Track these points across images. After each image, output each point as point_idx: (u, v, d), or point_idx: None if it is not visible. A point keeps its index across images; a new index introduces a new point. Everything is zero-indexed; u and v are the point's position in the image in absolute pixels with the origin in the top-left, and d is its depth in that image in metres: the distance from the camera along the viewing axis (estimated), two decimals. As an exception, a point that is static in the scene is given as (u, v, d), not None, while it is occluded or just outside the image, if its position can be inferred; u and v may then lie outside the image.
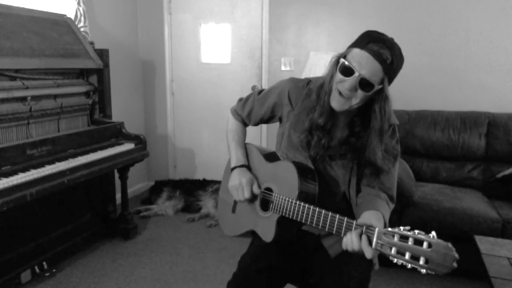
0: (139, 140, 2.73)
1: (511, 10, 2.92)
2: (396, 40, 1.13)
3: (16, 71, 2.17)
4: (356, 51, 1.11)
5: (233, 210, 1.46)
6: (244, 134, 1.52)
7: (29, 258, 2.29)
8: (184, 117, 3.92)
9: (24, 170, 1.96)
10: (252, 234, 1.39)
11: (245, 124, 1.53)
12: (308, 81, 1.32)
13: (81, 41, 2.62)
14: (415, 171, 2.86)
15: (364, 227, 1.00)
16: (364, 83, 1.10)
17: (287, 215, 1.20)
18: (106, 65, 2.73)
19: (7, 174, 1.89)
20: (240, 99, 1.52)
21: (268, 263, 1.32)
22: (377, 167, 1.21)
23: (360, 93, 1.12)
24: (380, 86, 1.12)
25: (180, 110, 3.92)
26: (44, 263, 2.33)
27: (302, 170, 1.21)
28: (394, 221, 2.30)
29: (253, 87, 3.64)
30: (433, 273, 0.84)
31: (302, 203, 1.16)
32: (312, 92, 1.26)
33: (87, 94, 2.63)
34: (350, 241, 1.02)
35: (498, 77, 3.00)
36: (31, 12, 2.42)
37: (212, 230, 3.12)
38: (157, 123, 3.99)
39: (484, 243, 1.83)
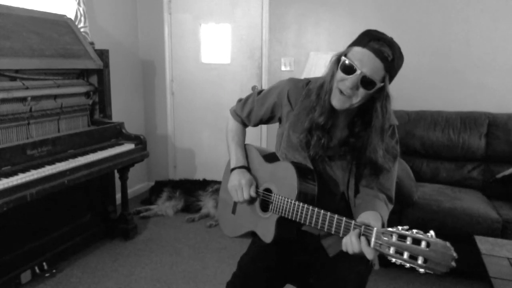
0: (139, 141, 2.73)
1: (511, 10, 2.92)
2: (396, 40, 1.13)
3: (16, 71, 2.17)
4: (357, 49, 1.11)
5: (233, 211, 1.46)
6: (243, 134, 1.52)
7: (29, 258, 2.29)
8: (184, 117, 3.92)
9: (24, 170, 1.96)
10: (252, 235, 1.39)
11: (244, 125, 1.53)
12: (308, 81, 1.32)
13: (81, 41, 2.62)
14: (415, 171, 2.86)
15: (363, 226, 1.00)
16: (365, 81, 1.10)
17: (286, 216, 1.20)
18: (106, 65, 2.73)
19: (7, 175, 1.89)
20: (240, 100, 1.52)
21: (268, 264, 1.32)
22: (377, 166, 1.21)
23: (361, 91, 1.12)
24: (382, 84, 1.12)
25: (180, 110, 3.92)
26: (44, 263, 2.33)
27: (301, 170, 1.21)
28: (394, 221, 2.30)
29: (253, 87, 3.64)
30: (432, 272, 0.84)
31: (301, 204, 1.16)
32: (311, 92, 1.26)
33: (87, 94, 2.63)
34: (350, 242, 1.01)
35: (498, 77, 3.00)
36: (31, 12, 2.42)
37: (212, 230, 3.12)
38: (157, 123, 3.99)
39: (484, 243, 1.83)
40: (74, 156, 2.28)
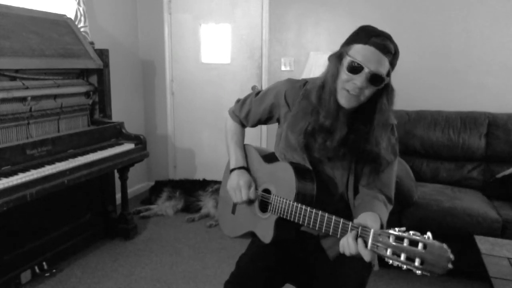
0: (139, 140, 2.73)
1: (511, 10, 2.92)
2: (396, 40, 1.14)
3: (16, 71, 2.17)
4: (359, 46, 1.10)
5: (233, 211, 1.46)
6: (242, 135, 1.52)
7: (29, 258, 2.29)
8: (184, 117, 3.92)
9: (24, 170, 1.96)
10: (252, 235, 1.39)
11: (243, 125, 1.53)
12: (305, 82, 1.32)
13: (81, 41, 2.62)
14: (415, 171, 2.86)
15: (360, 227, 0.99)
16: (374, 78, 1.10)
17: (285, 217, 1.20)
18: (106, 65, 2.73)
19: (7, 174, 1.89)
20: (238, 101, 1.52)
21: (267, 264, 1.32)
22: (378, 161, 1.20)
23: (369, 88, 1.12)
24: (388, 79, 1.12)
25: (180, 110, 3.92)
26: (44, 263, 2.33)
27: (299, 171, 1.21)
28: (394, 222, 2.30)
29: (253, 87, 3.64)
30: (428, 274, 0.84)
31: (299, 205, 1.15)
32: (309, 93, 1.26)
33: (87, 94, 2.63)
34: (347, 244, 1.01)
35: (498, 77, 3.00)
36: (31, 12, 2.42)
37: (212, 230, 3.12)
38: (157, 123, 3.99)
39: (484, 243, 1.83)
40: (74, 156, 2.28)
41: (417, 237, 0.86)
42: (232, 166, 1.42)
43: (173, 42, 3.81)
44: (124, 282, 2.36)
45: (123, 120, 2.86)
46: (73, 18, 2.78)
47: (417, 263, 0.84)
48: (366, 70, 1.09)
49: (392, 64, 1.13)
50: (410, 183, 2.48)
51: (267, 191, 1.32)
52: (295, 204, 1.16)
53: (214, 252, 2.77)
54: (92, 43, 2.73)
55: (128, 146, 2.64)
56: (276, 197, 1.24)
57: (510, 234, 2.24)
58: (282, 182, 1.24)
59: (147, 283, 2.36)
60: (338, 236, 1.06)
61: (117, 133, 2.73)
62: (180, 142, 3.98)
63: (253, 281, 1.29)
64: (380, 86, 1.12)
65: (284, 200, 1.20)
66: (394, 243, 0.89)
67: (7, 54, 2.09)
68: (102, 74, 2.71)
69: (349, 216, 1.11)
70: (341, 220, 1.05)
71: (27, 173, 1.94)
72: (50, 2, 2.78)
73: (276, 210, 1.23)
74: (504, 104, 2.98)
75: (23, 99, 2.17)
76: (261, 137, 3.69)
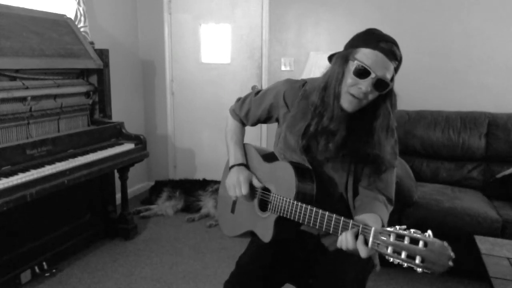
0: (139, 140, 2.73)
1: (511, 10, 2.92)
2: (396, 40, 1.13)
3: (16, 71, 2.17)
4: (367, 51, 1.09)
5: (232, 210, 1.46)
6: (242, 134, 1.52)
7: (29, 258, 2.29)
8: (184, 117, 3.92)
9: (24, 170, 1.96)
10: (252, 234, 1.39)
11: (243, 124, 1.53)
12: (304, 82, 1.31)
13: (81, 41, 2.62)
14: (415, 171, 2.86)
15: (361, 226, 1.00)
16: (379, 84, 1.09)
17: (285, 215, 1.20)
18: (106, 65, 2.73)
19: (7, 174, 1.89)
20: (239, 99, 1.52)
21: (266, 263, 1.32)
22: (381, 163, 1.19)
23: (373, 93, 1.11)
24: (392, 84, 1.12)
25: (180, 110, 3.92)
26: (44, 263, 2.33)
27: (299, 170, 1.21)
28: (394, 221, 2.30)
29: (253, 87, 3.65)
30: (429, 272, 0.84)
31: (299, 203, 1.15)
32: (308, 94, 1.25)
33: (87, 94, 2.63)
34: (345, 239, 1.01)
35: (498, 77, 3.00)
36: (31, 12, 2.42)
37: (212, 230, 3.12)
38: (157, 123, 3.99)
39: (484, 243, 1.83)
40: (74, 156, 2.28)
41: (418, 235, 0.86)
42: (231, 163, 1.42)
43: (173, 42, 3.81)
44: (124, 282, 2.36)
45: (123, 120, 2.86)
46: (73, 18, 2.78)
47: (417, 261, 0.85)
48: (372, 75, 1.08)
49: (396, 70, 1.13)
50: (410, 183, 2.48)
51: (266, 190, 1.31)
52: (295, 202, 1.16)
53: (214, 252, 2.77)
54: (92, 43, 2.73)
55: (128, 146, 2.64)
56: (276, 196, 1.23)
57: (510, 234, 2.24)
58: (282, 181, 1.24)
59: (147, 283, 2.36)
60: (339, 234, 1.06)
61: (117, 133, 2.73)
62: (180, 142, 3.98)
63: (253, 280, 1.29)
64: (384, 91, 1.11)
65: (284, 199, 1.20)
66: (394, 241, 0.89)
67: (7, 54, 2.09)
68: (102, 74, 2.71)
69: (349, 217, 1.11)
70: (342, 218, 1.05)
71: (27, 173, 1.94)
72: (50, 2, 2.78)
73: (276, 209, 1.23)
74: (504, 104, 2.98)
75: (23, 99, 2.17)
76: (261, 136, 3.69)
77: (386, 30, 1.15)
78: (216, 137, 3.82)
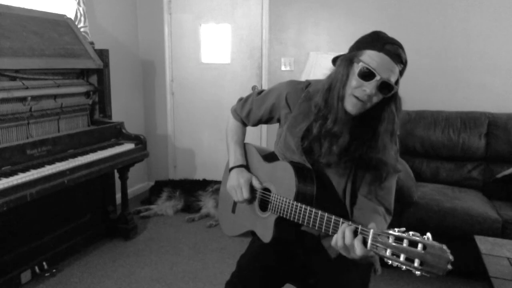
0: (139, 140, 2.73)
1: (511, 10, 2.92)
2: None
3: (16, 71, 2.17)
4: (373, 53, 1.08)
5: (233, 210, 1.46)
6: (243, 134, 1.52)
7: (29, 258, 2.29)
8: (184, 117, 3.92)
9: (24, 170, 1.96)
10: (252, 234, 1.38)
11: (244, 124, 1.52)
12: (307, 83, 1.30)
13: (81, 41, 2.62)
14: (415, 171, 2.86)
15: (360, 227, 0.99)
16: (384, 86, 1.08)
17: (284, 216, 1.19)
18: (106, 65, 2.73)
19: (7, 174, 1.89)
20: (240, 99, 1.52)
21: (267, 263, 1.32)
22: (384, 168, 1.17)
23: (378, 96, 1.10)
24: (397, 88, 1.11)
25: (180, 110, 3.92)
26: (44, 263, 2.33)
27: (300, 170, 1.20)
28: (393, 222, 2.30)
29: (253, 87, 3.65)
30: (428, 275, 0.83)
31: (299, 204, 1.15)
32: (311, 96, 1.25)
33: (87, 94, 2.63)
34: (342, 234, 1.00)
35: (498, 77, 3.00)
36: (31, 12, 2.42)
37: (212, 230, 3.12)
38: (157, 123, 3.99)
39: (484, 243, 1.82)
40: (74, 156, 2.28)
41: (417, 238, 0.85)
42: (231, 165, 1.42)
43: (173, 42, 3.81)
44: (124, 282, 2.36)
45: (123, 120, 2.86)
46: (73, 18, 2.78)
47: (416, 263, 0.84)
48: (377, 77, 1.07)
49: (401, 74, 1.12)
50: (410, 183, 2.48)
51: (267, 190, 1.31)
52: (294, 203, 1.16)
53: (214, 252, 2.77)
54: (92, 43, 2.73)
55: (128, 146, 2.64)
56: (276, 196, 1.23)
57: (510, 234, 2.24)
58: (282, 181, 1.24)
59: (147, 283, 2.36)
60: None
61: (117, 133, 2.73)
62: (180, 142, 3.98)
63: (253, 280, 1.29)
64: (389, 94, 1.10)
65: (284, 199, 1.19)
66: (393, 244, 0.88)
67: (7, 54, 2.09)
68: (102, 74, 2.71)
69: (348, 218, 1.10)
70: (341, 219, 1.04)
71: (27, 173, 1.94)
72: (50, 2, 2.78)
73: (276, 209, 1.22)
74: (504, 104, 2.98)
75: (23, 99, 2.17)
76: (261, 136, 3.69)
77: (386, 30, 1.15)
78: (216, 137, 3.82)
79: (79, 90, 2.55)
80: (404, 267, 0.86)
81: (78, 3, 2.85)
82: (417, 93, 3.14)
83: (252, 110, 1.44)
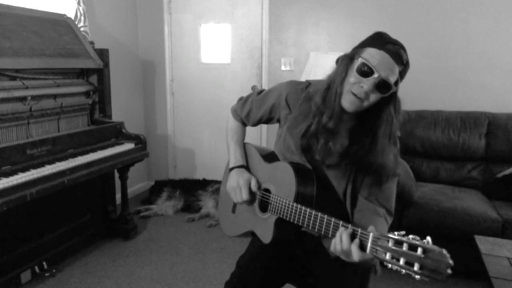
0: (139, 140, 2.73)
1: (511, 10, 2.92)
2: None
3: (16, 71, 2.17)
4: (374, 51, 1.08)
5: (233, 210, 1.46)
6: (243, 133, 1.52)
7: (29, 258, 2.29)
8: (184, 117, 3.92)
9: (24, 170, 1.96)
10: (252, 234, 1.38)
11: (244, 124, 1.52)
12: (308, 84, 1.30)
13: (81, 41, 2.62)
14: (415, 171, 2.86)
15: (359, 230, 0.98)
16: (382, 85, 1.08)
17: (284, 217, 1.19)
18: (106, 65, 2.73)
19: (7, 174, 1.89)
20: (240, 99, 1.51)
21: (266, 263, 1.32)
22: (383, 172, 1.17)
23: (375, 95, 1.10)
24: (396, 88, 1.10)
25: (180, 110, 3.92)
26: (44, 263, 2.33)
27: (300, 171, 1.20)
28: (394, 222, 2.30)
29: (253, 87, 3.64)
30: (427, 279, 0.83)
31: (298, 205, 1.14)
32: (311, 96, 1.24)
33: (87, 94, 2.63)
34: (340, 239, 0.99)
35: (498, 77, 3.00)
36: (31, 12, 2.42)
37: (212, 230, 3.12)
38: (157, 123, 3.99)
39: (484, 243, 1.83)
40: (74, 155, 2.27)
41: (417, 242, 0.85)
42: (231, 165, 1.42)
43: (173, 42, 3.81)
44: (124, 282, 2.36)
45: (123, 120, 2.86)
46: (73, 18, 2.78)
47: (416, 268, 0.83)
48: (376, 75, 1.07)
49: (401, 75, 1.11)
50: (410, 183, 2.48)
51: (267, 191, 1.31)
52: (294, 204, 1.15)
53: (214, 252, 2.77)
54: (92, 43, 2.73)
55: (128, 146, 2.64)
56: (276, 197, 1.23)
57: (510, 234, 2.24)
58: (282, 182, 1.23)
59: (147, 283, 2.36)
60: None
61: (117, 133, 2.72)
62: (180, 142, 3.98)
63: (253, 281, 1.29)
64: (386, 94, 1.10)
65: (284, 201, 1.19)
66: (393, 247, 0.88)
67: (7, 54, 2.09)
68: (102, 73, 2.71)
69: (348, 222, 1.10)
70: (340, 222, 1.04)
71: (27, 173, 1.94)
72: (50, 2, 2.78)
73: (276, 210, 1.22)
74: (504, 104, 2.98)
75: (23, 99, 2.17)
76: (261, 136, 3.69)
77: (386, 30, 1.15)
78: (216, 137, 3.82)
79: (79, 89, 2.55)
80: (403, 271, 0.86)
81: (78, 3, 2.85)
82: (417, 93, 3.14)
83: (252, 110, 1.44)
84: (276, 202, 1.22)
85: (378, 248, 0.92)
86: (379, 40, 1.10)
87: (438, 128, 2.89)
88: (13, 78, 2.16)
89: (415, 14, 3.13)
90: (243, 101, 1.49)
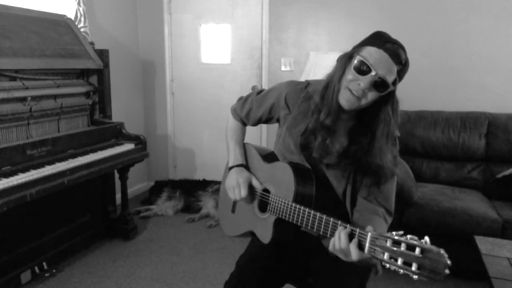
0: (139, 140, 2.73)
1: (511, 10, 2.92)
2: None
3: (16, 71, 2.17)
4: (372, 49, 1.08)
5: (233, 210, 1.46)
6: (243, 133, 1.52)
7: (29, 258, 2.29)
8: (184, 117, 3.92)
9: (24, 170, 1.96)
10: (252, 234, 1.38)
11: (244, 124, 1.52)
12: (307, 84, 1.30)
13: (81, 41, 2.62)
14: (415, 172, 2.86)
15: (357, 230, 0.98)
16: (379, 83, 1.08)
17: (283, 217, 1.19)
18: (106, 65, 2.73)
19: (7, 174, 1.89)
20: (240, 98, 1.52)
21: (266, 263, 1.32)
22: (381, 173, 1.17)
23: (372, 93, 1.10)
24: (393, 88, 1.10)
25: (180, 110, 3.92)
26: (44, 263, 2.33)
27: (299, 171, 1.20)
28: (394, 222, 2.30)
29: (253, 87, 3.64)
30: (425, 279, 0.83)
31: (297, 206, 1.14)
32: (310, 95, 1.24)
33: (87, 94, 2.63)
34: (338, 238, 1.00)
35: (498, 77, 3.00)
36: (31, 12, 2.42)
37: (212, 230, 3.12)
38: (157, 123, 3.99)
39: (484, 243, 1.82)
40: (74, 156, 2.27)
41: (415, 242, 0.85)
42: (231, 164, 1.42)
43: (173, 42, 3.81)
44: (124, 282, 2.36)
45: (123, 120, 2.86)
46: (73, 18, 2.78)
47: (414, 268, 0.83)
48: (373, 73, 1.07)
49: (400, 75, 1.11)
50: (410, 183, 2.48)
51: (266, 191, 1.31)
52: (293, 205, 1.15)
53: (214, 252, 2.77)
54: (92, 43, 2.73)
55: (128, 146, 2.64)
56: (275, 197, 1.23)
57: (510, 234, 2.24)
58: (281, 182, 1.23)
59: (147, 283, 2.36)
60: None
61: (117, 133, 2.73)
62: (180, 142, 3.98)
63: (252, 281, 1.29)
64: (384, 93, 1.10)
65: (283, 201, 1.19)
66: (391, 247, 0.88)
67: (7, 54, 2.09)
68: (102, 74, 2.71)
69: (347, 221, 1.10)
70: (339, 222, 1.04)
71: (27, 173, 1.94)
72: (50, 2, 2.78)
73: (275, 211, 1.22)
74: (504, 104, 2.98)
75: (23, 99, 2.17)
76: (261, 136, 3.69)
77: (386, 30, 1.15)
78: (216, 137, 3.82)
79: (79, 90, 2.55)
80: (401, 271, 0.86)
81: (78, 3, 2.85)
82: (417, 93, 3.14)
83: (252, 110, 1.44)
84: (275, 202, 1.22)
85: (376, 248, 0.92)
86: (378, 39, 1.10)
87: (438, 128, 2.89)
88: (13, 79, 2.16)
89: (415, 14, 3.13)
90: (243, 100, 1.49)
